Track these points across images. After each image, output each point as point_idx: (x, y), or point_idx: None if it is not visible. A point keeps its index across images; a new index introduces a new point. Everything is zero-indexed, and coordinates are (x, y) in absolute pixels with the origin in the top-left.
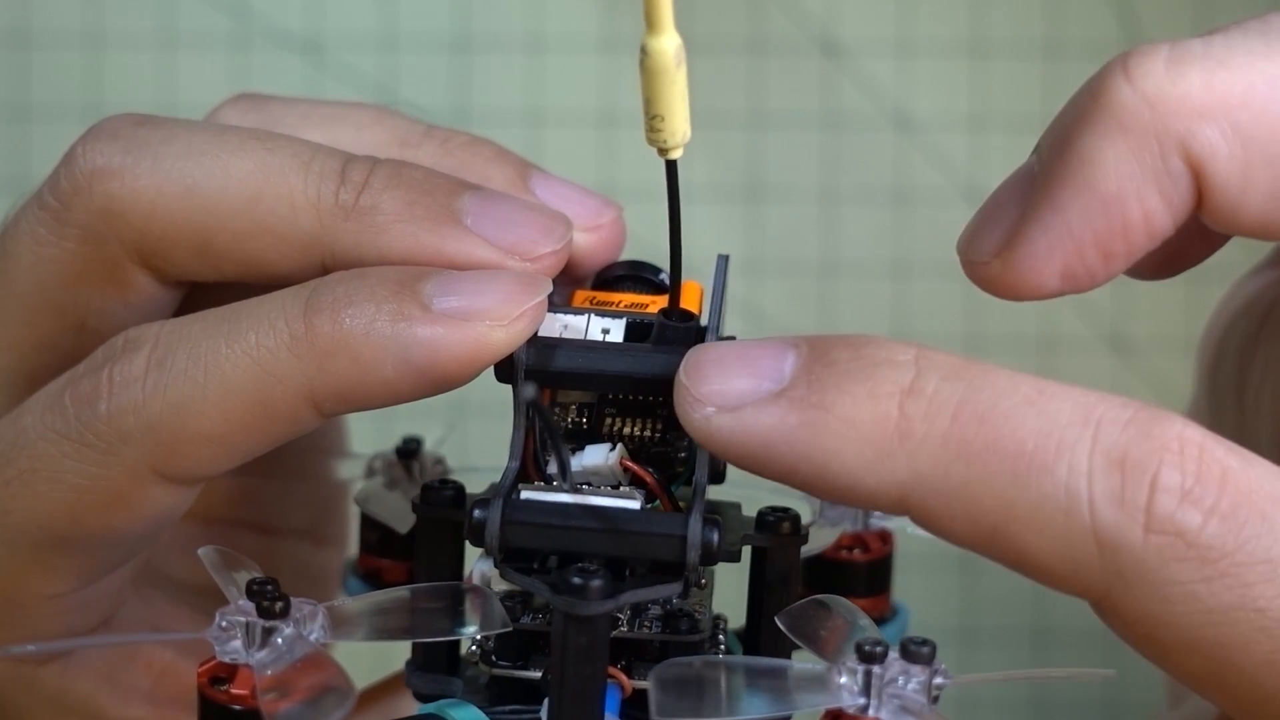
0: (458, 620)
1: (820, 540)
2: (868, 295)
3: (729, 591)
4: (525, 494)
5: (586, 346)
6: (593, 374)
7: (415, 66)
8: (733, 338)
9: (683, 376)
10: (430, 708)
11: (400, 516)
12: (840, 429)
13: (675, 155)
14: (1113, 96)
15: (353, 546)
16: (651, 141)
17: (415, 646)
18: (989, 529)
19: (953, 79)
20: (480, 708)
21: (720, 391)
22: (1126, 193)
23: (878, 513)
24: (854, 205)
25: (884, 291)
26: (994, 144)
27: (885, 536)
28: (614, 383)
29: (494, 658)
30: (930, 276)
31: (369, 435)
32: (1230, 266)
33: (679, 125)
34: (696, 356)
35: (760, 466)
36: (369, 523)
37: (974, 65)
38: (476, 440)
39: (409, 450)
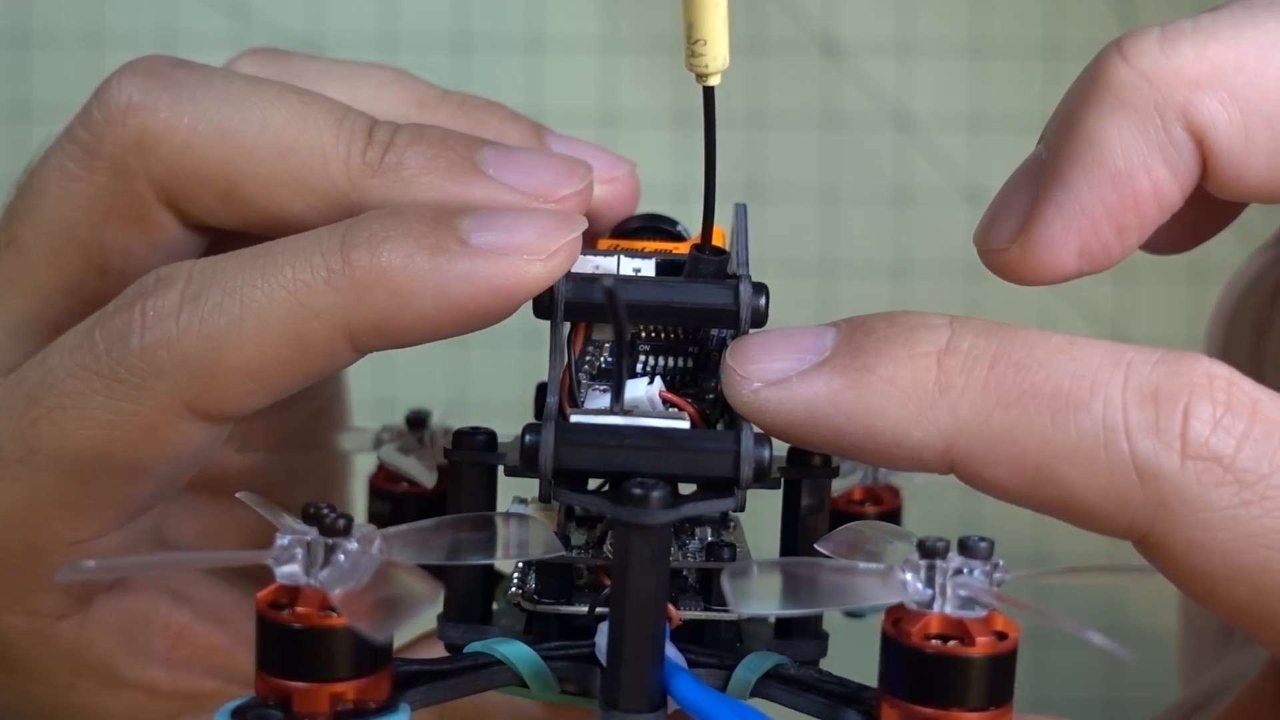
0: (509, 547)
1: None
2: (868, 295)
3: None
4: (575, 418)
5: (625, 279)
6: (634, 304)
7: (415, 66)
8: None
9: (728, 359)
10: (478, 645)
11: (424, 474)
12: (883, 387)
13: (714, 82)
14: (1112, 76)
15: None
16: (691, 67)
17: (447, 599)
18: (1032, 471)
19: (953, 79)
20: (527, 644)
21: (765, 368)
22: (1134, 166)
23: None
24: (854, 205)
25: (884, 291)
26: (994, 144)
27: (894, 490)
28: (655, 312)
29: (536, 597)
30: (930, 276)
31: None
32: (1231, 264)
33: (719, 50)
34: (740, 341)
35: (808, 435)
36: (378, 494)
37: (974, 65)
38: None
39: (419, 419)
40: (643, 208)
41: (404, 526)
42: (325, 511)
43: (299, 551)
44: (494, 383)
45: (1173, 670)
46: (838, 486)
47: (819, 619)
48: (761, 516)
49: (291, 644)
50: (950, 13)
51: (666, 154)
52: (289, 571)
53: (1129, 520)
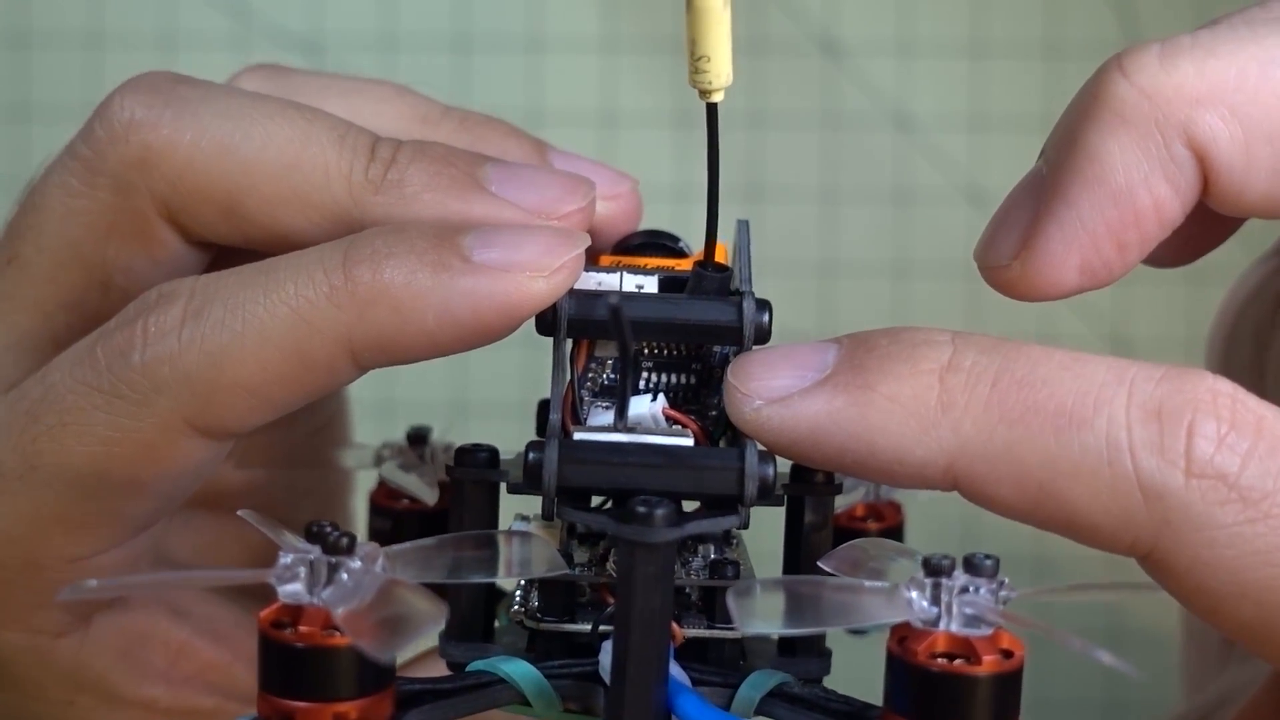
0: (512, 565)
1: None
2: (868, 295)
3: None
4: (579, 435)
5: (628, 296)
6: (637, 320)
7: (415, 66)
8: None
9: (730, 376)
10: (482, 664)
11: (425, 491)
12: (885, 405)
13: (718, 98)
14: (1112, 93)
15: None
16: (695, 83)
17: (448, 617)
18: (1036, 489)
19: (953, 79)
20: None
21: (768, 385)
22: (1135, 183)
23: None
24: (854, 205)
25: (884, 291)
26: (994, 144)
27: (897, 506)
28: (658, 329)
29: (539, 615)
30: (930, 276)
31: (369, 435)
32: (1231, 266)
33: (723, 67)
34: (742, 358)
35: (810, 452)
36: (379, 511)
37: (974, 65)
38: (476, 440)
39: (419, 436)
40: (645, 206)
41: (406, 545)
42: (328, 530)
43: (302, 570)
44: (494, 385)
45: (1173, 671)
46: (840, 503)
47: (822, 636)
48: (764, 533)
49: (294, 663)
50: (950, 13)
51: (666, 154)
52: (292, 590)
53: (1133, 538)
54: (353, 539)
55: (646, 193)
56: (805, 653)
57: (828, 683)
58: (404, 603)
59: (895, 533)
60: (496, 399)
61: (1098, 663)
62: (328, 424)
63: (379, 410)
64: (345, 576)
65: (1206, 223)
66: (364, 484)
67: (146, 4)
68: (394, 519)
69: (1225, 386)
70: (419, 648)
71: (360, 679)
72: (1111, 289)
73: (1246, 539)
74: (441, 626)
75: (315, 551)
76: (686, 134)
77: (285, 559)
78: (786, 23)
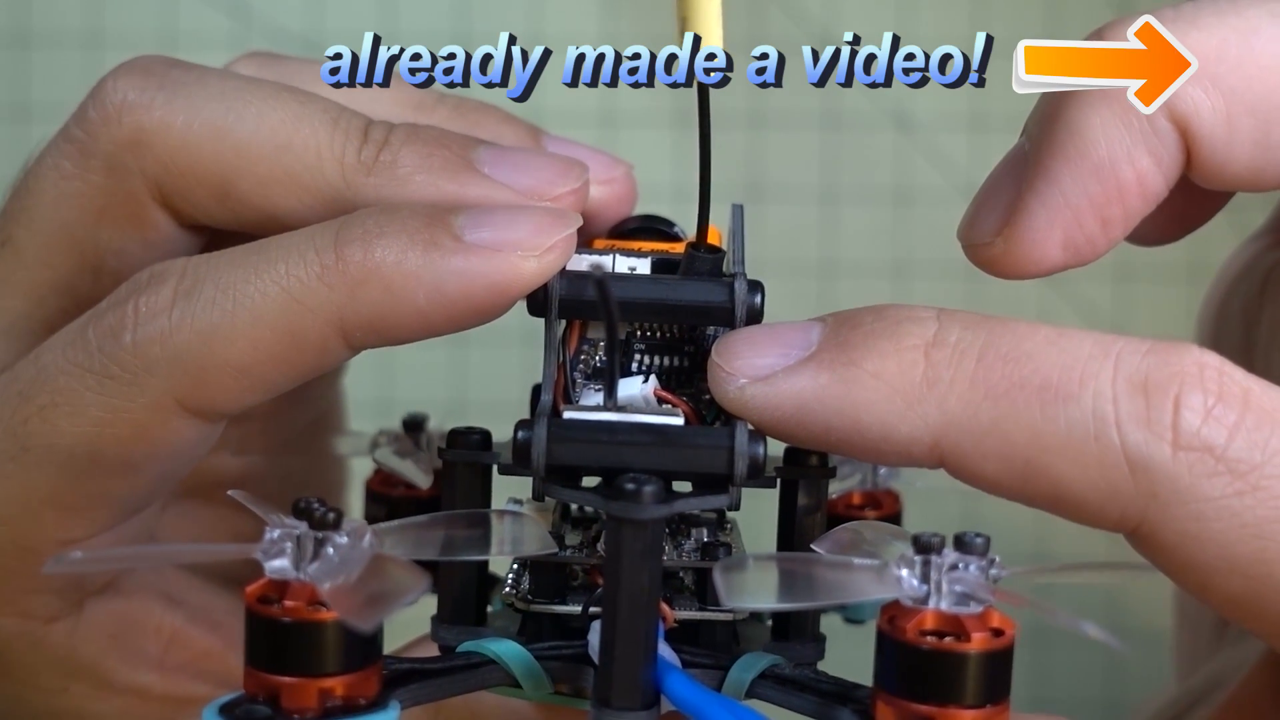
0: (503, 543)
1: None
2: (868, 295)
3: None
4: (569, 414)
5: (620, 277)
6: (629, 301)
7: None
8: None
9: (715, 356)
10: (470, 644)
11: (420, 476)
12: (870, 382)
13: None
14: None
15: None
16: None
17: (442, 600)
18: (1022, 464)
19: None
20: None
21: (752, 364)
22: (1117, 156)
23: (886, 470)
24: (854, 205)
25: (884, 291)
26: (994, 144)
27: (894, 495)
28: (649, 309)
29: (530, 596)
30: (930, 276)
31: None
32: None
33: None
34: (727, 337)
35: (795, 430)
36: (374, 497)
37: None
38: None
39: (416, 423)
40: (642, 207)
41: (396, 522)
42: (315, 506)
43: (288, 545)
44: (493, 382)
45: (1169, 663)
46: (836, 490)
47: (816, 621)
48: (759, 519)
49: (280, 638)
50: (950, 13)
51: (666, 154)
52: (278, 566)
53: (1120, 512)
54: (339, 514)
55: (644, 192)
56: (799, 637)
57: (822, 669)
58: (389, 576)
59: (893, 521)
60: (496, 398)
61: (1087, 638)
62: (324, 415)
63: (378, 409)
64: (331, 551)
65: (1192, 198)
66: (360, 479)
67: (146, 4)
68: (389, 505)
69: (1212, 359)
70: (414, 631)
71: (346, 654)
72: (1112, 286)
73: (1234, 511)
74: (422, 594)
75: (301, 527)
76: (686, 134)
77: (271, 534)
78: (786, 23)
